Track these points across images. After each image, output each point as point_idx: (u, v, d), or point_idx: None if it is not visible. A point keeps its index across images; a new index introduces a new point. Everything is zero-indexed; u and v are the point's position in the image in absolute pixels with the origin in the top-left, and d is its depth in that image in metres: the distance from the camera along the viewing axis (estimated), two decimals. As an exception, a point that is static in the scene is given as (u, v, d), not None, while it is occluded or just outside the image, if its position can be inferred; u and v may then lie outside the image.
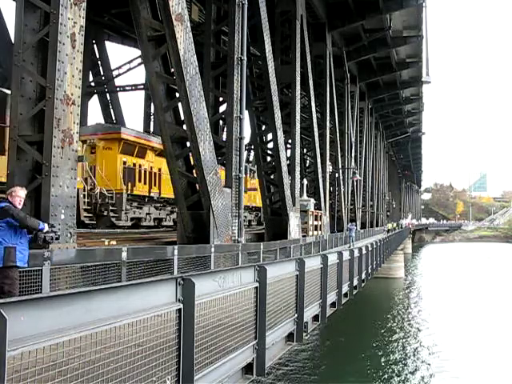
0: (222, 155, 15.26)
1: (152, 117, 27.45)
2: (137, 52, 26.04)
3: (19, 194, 5.64)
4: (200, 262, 10.03)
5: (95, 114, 27.79)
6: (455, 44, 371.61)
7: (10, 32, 12.39)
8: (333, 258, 10.79)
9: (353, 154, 35.05)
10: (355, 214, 35.86)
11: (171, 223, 19.08)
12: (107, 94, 25.46)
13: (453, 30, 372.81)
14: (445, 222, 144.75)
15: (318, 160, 24.95)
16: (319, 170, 25.07)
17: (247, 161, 37.43)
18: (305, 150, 29.85)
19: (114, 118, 25.54)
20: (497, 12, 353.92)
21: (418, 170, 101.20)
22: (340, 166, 30.90)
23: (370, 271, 18.27)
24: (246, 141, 18.03)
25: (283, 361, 15.95)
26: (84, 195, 15.10)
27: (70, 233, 7.94)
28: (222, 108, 17.34)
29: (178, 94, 12.13)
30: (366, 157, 43.09)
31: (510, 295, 33.56)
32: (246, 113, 15.30)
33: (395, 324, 24.38)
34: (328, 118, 27.25)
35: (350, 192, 34.07)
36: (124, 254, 7.91)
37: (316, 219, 23.43)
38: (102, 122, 24.19)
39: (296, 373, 16.07)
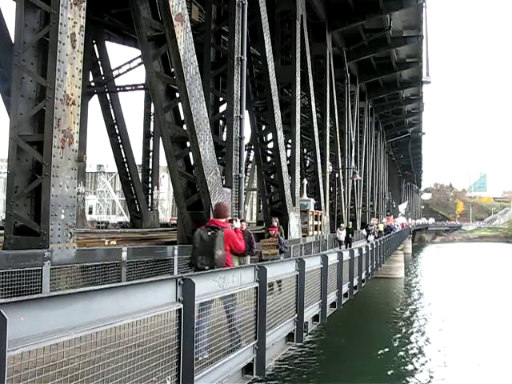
0: (222, 155, 15.26)
1: (152, 117, 27.45)
2: (137, 52, 26.06)
3: None
4: (200, 262, 10.01)
5: (95, 114, 27.78)
6: (455, 44, 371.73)
7: (10, 32, 12.35)
8: (333, 258, 10.78)
9: (353, 154, 35.07)
10: (355, 214, 35.88)
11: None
12: (107, 94, 25.44)
13: (453, 29, 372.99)
14: (445, 222, 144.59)
15: (318, 160, 24.96)
16: (319, 170, 25.09)
17: (247, 161, 37.46)
18: (305, 150, 29.87)
19: (113, 118, 25.52)
20: (497, 12, 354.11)
21: (418, 170, 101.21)
22: (340, 166, 30.91)
23: (370, 271, 18.25)
24: (246, 141, 18.04)
25: (283, 360, 15.97)
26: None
27: (70, 233, 7.94)
28: (222, 108, 17.34)
29: (178, 94, 12.14)
30: (366, 157, 43.11)
31: (510, 294, 33.57)
32: (246, 113, 15.30)
33: (396, 324, 24.37)
34: (328, 118, 27.26)
35: (349, 192, 34.08)
36: (124, 254, 7.92)
37: (316, 219, 23.43)
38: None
39: (296, 372, 16.08)
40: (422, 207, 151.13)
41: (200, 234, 5.99)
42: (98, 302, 3.11)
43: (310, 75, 23.24)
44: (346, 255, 12.48)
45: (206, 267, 5.66)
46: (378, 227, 35.46)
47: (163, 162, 20.72)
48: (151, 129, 28.14)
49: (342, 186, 31.01)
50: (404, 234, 53.81)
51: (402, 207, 63.01)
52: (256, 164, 23.32)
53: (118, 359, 3.30)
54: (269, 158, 19.75)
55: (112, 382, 3.23)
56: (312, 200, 23.73)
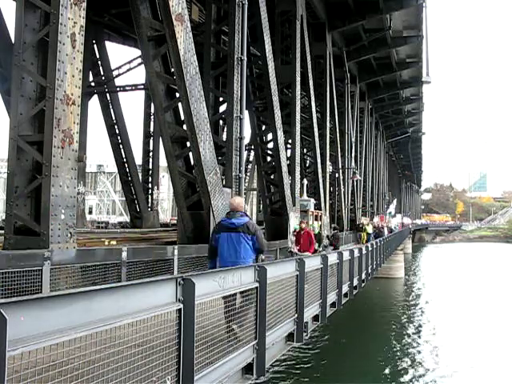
0: (222, 155, 15.25)
1: (152, 117, 27.45)
2: (137, 52, 26.06)
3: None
4: (200, 262, 10.03)
5: (95, 114, 27.80)
6: (455, 44, 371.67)
7: (10, 32, 12.36)
8: (333, 258, 10.79)
9: (353, 154, 35.04)
10: (355, 214, 35.85)
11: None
12: (107, 94, 25.44)
13: (453, 29, 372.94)
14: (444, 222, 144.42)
15: (318, 160, 24.95)
16: (319, 170, 25.08)
17: (247, 161, 37.46)
18: (305, 150, 29.85)
19: (113, 118, 25.52)
20: (497, 12, 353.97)
21: (418, 170, 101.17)
22: (340, 166, 30.90)
23: (370, 271, 18.25)
24: (246, 141, 18.03)
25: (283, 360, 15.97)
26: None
27: (70, 233, 7.94)
28: (222, 108, 17.34)
29: (178, 94, 12.14)
30: (366, 157, 43.07)
31: (509, 294, 33.58)
32: (246, 113, 15.30)
33: (396, 324, 24.37)
34: (328, 118, 27.24)
35: (349, 192, 34.07)
36: (124, 254, 7.92)
37: (316, 219, 23.41)
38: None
39: (296, 372, 16.08)
40: (422, 207, 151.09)
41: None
42: (98, 301, 3.12)
43: (310, 75, 23.23)
44: (346, 255, 12.48)
45: None
46: (365, 229, 30.03)
47: (163, 161, 20.71)
48: (151, 129, 28.14)
49: (342, 186, 30.99)
50: (404, 234, 53.71)
51: (392, 208, 49.39)
52: (256, 164, 23.31)
53: (118, 359, 3.30)
54: (269, 158, 19.74)
55: (112, 382, 3.23)
56: (312, 200, 23.70)
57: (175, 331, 3.94)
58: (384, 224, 36.94)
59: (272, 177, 19.56)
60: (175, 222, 23.93)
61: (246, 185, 35.63)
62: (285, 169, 18.51)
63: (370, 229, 30.92)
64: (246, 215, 6.62)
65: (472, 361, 18.15)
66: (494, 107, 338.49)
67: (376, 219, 39.65)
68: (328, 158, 27.53)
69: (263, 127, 21.08)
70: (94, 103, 25.66)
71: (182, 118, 12.28)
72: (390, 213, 47.29)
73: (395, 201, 53.50)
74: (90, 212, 63.04)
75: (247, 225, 6.50)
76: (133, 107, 42.58)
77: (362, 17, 26.51)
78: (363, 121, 41.16)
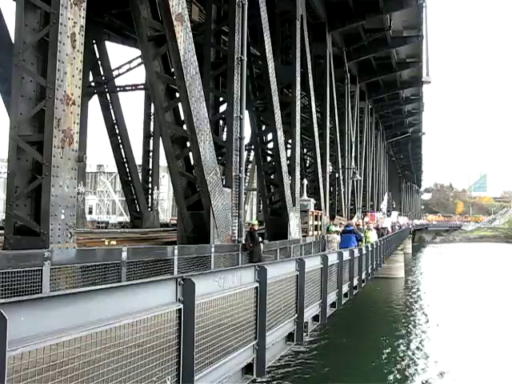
0: (222, 155, 15.26)
1: (152, 117, 27.44)
2: (137, 52, 26.03)
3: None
4: (200, 262, 10.03)
5: (95, 114, 27.70)
6: (455, 44, 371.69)
7: (10, 32, 12.36)
8: (333, 258, 10.79)
9: (353, 154, 35.04)
10: (355, 214, 35.83)
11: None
12: (107, 94, 25.41)
13: (453, 29, 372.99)
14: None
15: (318, 160, 24.95)
16: (319, 170, 25.08)
17: (247, 161, 37.43)
18: (305, 150, 29.83)
19: (114, 118, 25.49)
20: (497, 12, 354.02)
21: (418, 170, 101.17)
22: (340, 166, 30.89)
23: (370, 271, 18.25)
24: (246, 141, 18.03)
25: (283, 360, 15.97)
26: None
27: (70, 233, 7.94)
28: (222, 108, 17.35)
29: (178, 94, 12.14)
30: (366, 157, 43.05)
31: (509, 295, 33.57)
32: (246, 113, 15.30)
33: (396, 324, 24.37)
34: (328, 118, 27.25)
35: (350, 192, 34.07)
36: (124, 254, 7.91)
37: (316, 219, 23.41)
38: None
39: (296, 372, 16.08)
40: (422, 207, 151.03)
41: None
42: (98, 301, 3.12)
43: (310, 75, 23.23)
44: (346, 255, 12.49)
45: None
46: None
47: (163, 161, 20.72)
48: (151, 129, 28.12)
49: (342, 186, 30.99)
50: (404, 234, 53.67)
51: (383, 204, 44.14)
52: (256, 164, 23.31)
53: (118, 359, 3.30)
54: (269, 158, 19.73)
55: (112, 382, 3.24)
56: (312, 200, 23.70)
57: (175, 331, 3.95)
58: (371, 225, 29.50)
59: (272, 177, 19.55)
60: (175, 222, 23.94)
61: (246, 185, 35.60)
62: (285, 169, 18.50)
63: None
64: None
65: (472, 360, 18.14)
66: (495, 107, 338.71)
67: (366, 219, 33.18)
68: (328, 158, 27.53)
69: (263, 127, 21.05)
70: (94, 103, 25.66)
71: (182, 118, 12.28)
72: (381, 210, 44.05)
73: (386, 196, 47.22)
74: (90, 212, 62.97)
75: None
76: (133, 107, 42.54)
77: (362, 17, 26.50)
78: (363, 121, 41.14)
